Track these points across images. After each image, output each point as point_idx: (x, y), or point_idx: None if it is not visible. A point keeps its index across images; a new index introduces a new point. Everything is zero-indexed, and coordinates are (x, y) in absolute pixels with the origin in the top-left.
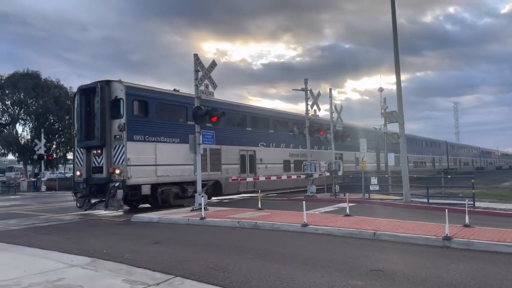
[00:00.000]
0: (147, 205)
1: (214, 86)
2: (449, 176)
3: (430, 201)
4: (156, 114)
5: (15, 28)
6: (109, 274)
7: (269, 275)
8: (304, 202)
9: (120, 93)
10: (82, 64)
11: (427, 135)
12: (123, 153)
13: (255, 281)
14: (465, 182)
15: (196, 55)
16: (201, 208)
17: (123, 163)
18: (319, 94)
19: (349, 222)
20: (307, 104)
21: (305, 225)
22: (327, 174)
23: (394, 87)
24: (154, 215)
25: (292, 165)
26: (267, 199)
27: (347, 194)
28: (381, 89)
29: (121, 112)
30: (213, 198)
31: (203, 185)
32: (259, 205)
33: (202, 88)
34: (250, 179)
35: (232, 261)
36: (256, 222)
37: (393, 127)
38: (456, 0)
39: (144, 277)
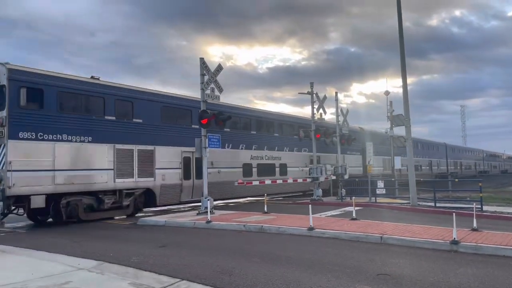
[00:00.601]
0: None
1: (220, 90)
2: (456, 180)
3: (437, 204)
4: (57, 106)
5: (23, 32)
6: (115, 277)
7: (275, 278)
8: (310, 205)
9: (2, 78)
10: (89, 68)
11: (433, 138)
12: (4, 155)
13: (261, 284)
14: (472, 185)
15: (202, 59)
16: (207, 212)
17: (3, 167)
18: (325, 97)
19: (356, 225)
20: (313, 108)
21: (311, 228)
22: (333, 177)
23: (400, 90)
24: (160, 219)
25: (254, 169)
26: (273, 202)
27: (354, 197)
28: (387, 93)
29: (3, 103)
30: (145, 209)
31: (127, 194)
32: (265, 209)
33: (208, 92)
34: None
35: (238, 264)
36: (262, 226)
37: (398, 130)
38: (462, 3)
39: (150, 281)
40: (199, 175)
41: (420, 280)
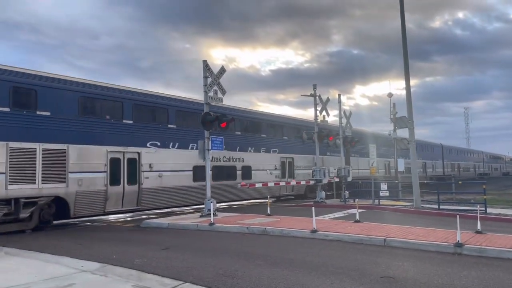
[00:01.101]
0: None
1: (223, 92)
2: (460, 182)
3: (441, 207)
4: None
5: (28, 36)
6: (119, 280)
7: (278, 281)
8: (313, 208)
9: None
10: (93, 71)
11: (437, 141)
12: None
13: (264, 287)
14: (476, 188)
15: (205, 62)
16: (210, 214)
17: None
18: (328, 99)
19: (359, 228)
20: (316, 110)
21: (314, 231)
22: (337, 179)
23: (403, 92)
24: (163, 221)
25: (209, 172)
26: (276, 205)
27: (357, 200)
28: (390, 95)
29: None
30: (56, 222)
31: (27, 204)
32: (268, 211)
33: (211, 94)
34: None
35: (241, 267)
36: (265, 228)
37: (401, 132)
38: (465, 5)
39: (153, 283)
40: (132, 180)
41: (424, 283)
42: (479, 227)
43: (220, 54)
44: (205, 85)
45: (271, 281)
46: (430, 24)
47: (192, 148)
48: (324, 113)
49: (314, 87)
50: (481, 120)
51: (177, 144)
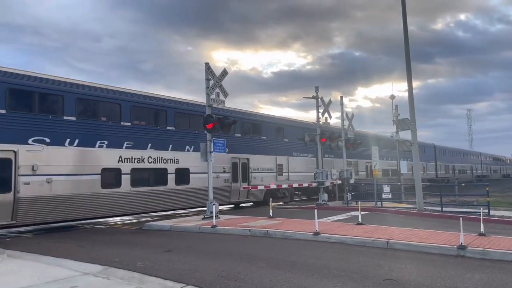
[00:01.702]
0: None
1: (225, 95)
2: (463, 184)
3: (444, 209)
4: None
5: (30, 38)
6: (121, 282)
7: (281, 284)
8: (315, 210)
9: None
10: (94, 73)
11: (440, 143)
12: None
13: None
14: (479, 190)
15: (207, 64)
16: (212, 216)
17: None
18: (329, 101)
19: (362, 230)
20: (318, 112)
21: (317, 233)
22: (339, 182)
23: (406, 94)
24: (165, 223)
25: (126, 177)
26: (279, 207)
27: (359, 202)
28: (392, 97)
29: None
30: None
31: None
32: (271, 213)
33: (213, 96)
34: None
35: (243, 269)
36: (267, 231)
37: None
38: (467, 7)
39: (156, 286)
40: (4, 187)
41: (427, 286)
42: (482, 229)
43: (222, 56)
44: (207, 87)
45: (274, 283)
46: (432, 26)
47: (101, 146)
48: (324, 115)
49: (316, 89)
50: (484, 122)
51: (77, 140)
